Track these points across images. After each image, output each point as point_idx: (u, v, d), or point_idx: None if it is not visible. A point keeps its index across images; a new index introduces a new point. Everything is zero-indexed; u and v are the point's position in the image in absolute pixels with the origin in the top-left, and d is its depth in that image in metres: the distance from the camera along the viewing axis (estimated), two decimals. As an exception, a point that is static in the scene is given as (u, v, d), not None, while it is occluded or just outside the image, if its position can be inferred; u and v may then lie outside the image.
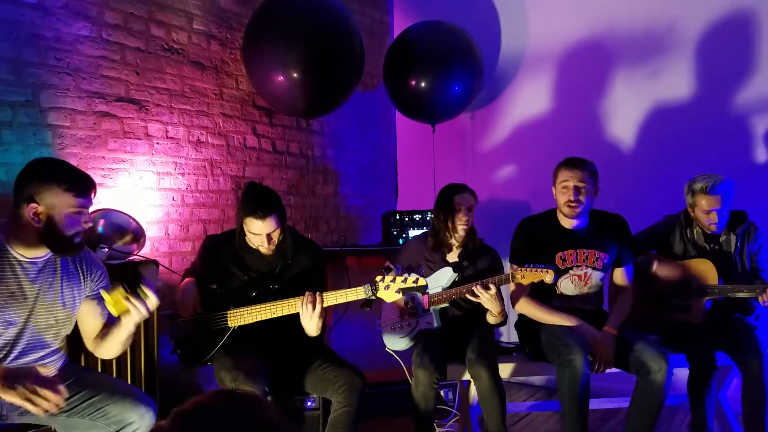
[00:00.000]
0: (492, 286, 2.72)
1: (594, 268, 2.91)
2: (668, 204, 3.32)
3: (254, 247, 2.64)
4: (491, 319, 2.90)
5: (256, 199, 2.59)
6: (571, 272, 2.90)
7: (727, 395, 3.14)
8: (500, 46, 4.60)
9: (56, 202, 2.01)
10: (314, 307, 2.49)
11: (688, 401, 2.87)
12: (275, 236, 2.60)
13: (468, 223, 2.94)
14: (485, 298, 2.74)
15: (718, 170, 3.05)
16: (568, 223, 2.91)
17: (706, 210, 2.95)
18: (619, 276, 3.00)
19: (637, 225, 3.33)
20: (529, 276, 2.68)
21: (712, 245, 3.08)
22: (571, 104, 4.28)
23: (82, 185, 2.06)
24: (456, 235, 2.96)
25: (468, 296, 2.79)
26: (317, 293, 2.51)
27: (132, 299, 2.05)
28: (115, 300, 2.05)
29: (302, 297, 2.50)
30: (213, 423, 0.90)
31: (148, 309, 2.10)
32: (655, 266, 3.13)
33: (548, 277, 2.63)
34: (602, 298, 3.06)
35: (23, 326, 2.06)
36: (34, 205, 1.99)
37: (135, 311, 2.07)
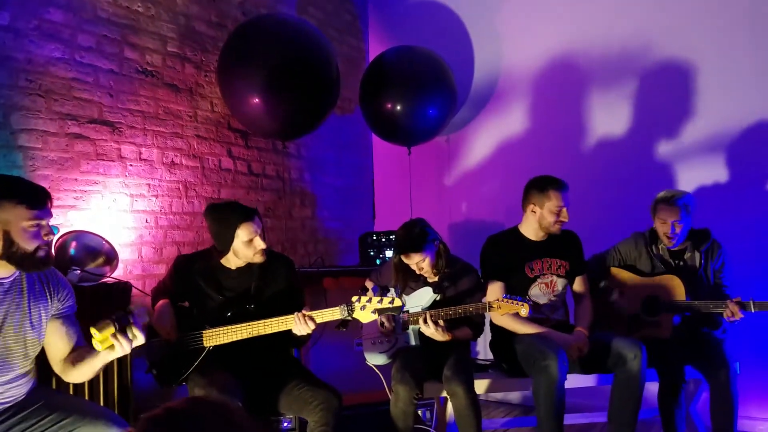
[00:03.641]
0: (431, 323, 2.76)
1: (558, 275, 3.10)
2: (639, 222, 3.38)
3: (249, 259, 2.65)
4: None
5: (235, 208, 2.66)
6: (539, 280, 3.08)
7: (697, 408, 3.19)
8: (474, 69, 4.68)
9: (10, 218, 1.98)
10: (308, 326, 2.51)
11: (660, 415, 2.92)
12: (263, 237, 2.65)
13: (426, 267, 2.95)
14: (428, 332, 2.80)
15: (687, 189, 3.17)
16: (533, 236, 3.12)
17: (664, 220, 3.08)
18: (578, 284, 3.17)
19: (608, 241, 3.39)
20: (505, 307, 2.74)
21: (677, 261, 3.18)
22: (545, 125, 4.35)
23: (35, 197, 2.04)
24: (423, 272, 2.99)
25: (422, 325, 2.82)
26: (306, 315, 2.52)
27: (120, 338, 2.03)
28: (104, 338, 2.03)
29: (294, 318, 2.51)
30: (182, 427, 0.89)
31: (132, 347, 2.08)
32: (615, 296, 3.21)
33: (523, 310, 2.70)
34: (568, 309, 3.20)
35: None
36: None
37: (120, 349, 2.05)
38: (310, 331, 2.53)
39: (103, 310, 2.10)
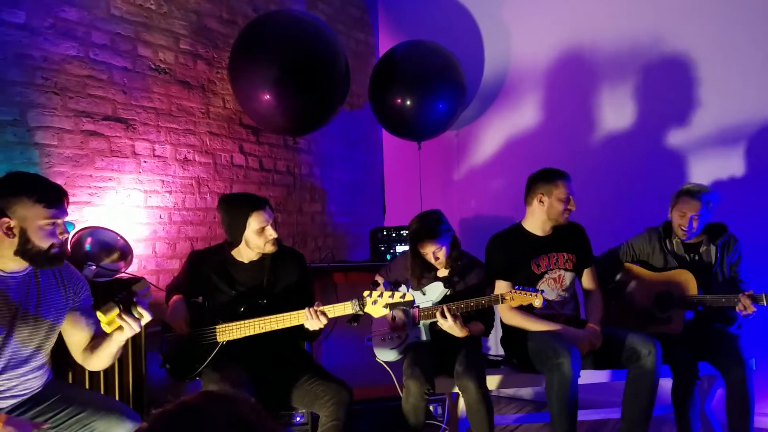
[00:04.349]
0: (449, 315, 2.75)
1: (566, 269, 3.09)
2: (649, 216, 3.38)
3: (260, 249, 2.68)
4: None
5: (247, 198, 2.71)
6: (546, 275, 3.07)
7: (712, 405, 3.17)
8: (483, 64, 4.67)
9: (27, 215, 2.01)
10: (320, 320, 2.54)
11: (674, 412, 2.90)
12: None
13: (441, 257, 2.96)
14: (446, 325, 2.79)
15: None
16: (538, 231, 3.11)
17: (683, 212, 3.06)
18: (587, 279, 3.16)
19: (618, 236, 3.39)
20: (518, 299, 2.75)
21: (692, 255, 3.15)
22: (555, 119, 4.34)
23: (52, 195, 2.07)
24: (437, 263, 2.99)
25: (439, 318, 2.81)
26: (317, 310, 2.54)
27: (126, 318, 2.07)
28: (110, 320, 2.07)
29: (306, 312, 2.54)
30: (193, 421, 0.91)
31: (140, 326, 2.11)
32: (632, 286, 3.20)
33: (537, 301, 2.71)
34: (578, 304, 3.19)
35: (5, 341, 2.05)
36: (6, 219, 2.00)
37: (128, 329, 2.09)
38: (322, 326, 2.56)
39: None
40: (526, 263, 3.06)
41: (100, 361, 2.22)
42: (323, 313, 2.54)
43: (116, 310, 2.06)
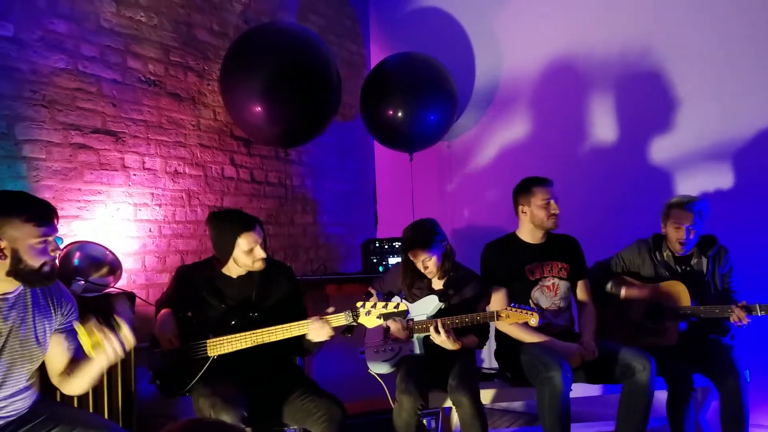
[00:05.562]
0: (442, 330, 2.74)
1: (560, 278, 3.09)
2: (641, 227, 3.38)
3: (248, 267, 2.65)
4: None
5: (236, 217, 2.66)
6: (540, 283, 3.07)
7: (707, 417, 3.16)
8: (475, 75, 4.68)
9: (18, 235, 1.97)
10: (329, 329, 2.53)
11: (668, 424, 2.89)
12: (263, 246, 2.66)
13: (432, 267, 2.94)
14: (438, 340, 2.77)
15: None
16: (530, 239, 3.13)
17: (677, 225, 3.05)
18: (580, 291, 3.16)
19: (610, 246, 3.38)
20: (514, 316, 2.73)
21: (683, 267, 3.15)
22: (546, 130, 4.35)
23: (42, 214, 2.02)
24: (427, 272, 2.98)
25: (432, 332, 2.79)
26: (325, 318, 2.54)
27: (105, 330, 2.00)
28: (89, 332, 2.01)
29: (312, 323, 2.53)
30: None
31: (122, 344, 2.03)
32: (623, 292, 3.19)
33: (533, 320, 2.69)
34: (573, 316, 3.17)
35: None
36: None
37: (108, 343, 2.01)
38: (327, 337, 2.54)
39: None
40: (520, 270, 3.07)
41: (78, 383, 2.16)
42: (327, 322, 2.52)
43: (93, 321, 2.00)
